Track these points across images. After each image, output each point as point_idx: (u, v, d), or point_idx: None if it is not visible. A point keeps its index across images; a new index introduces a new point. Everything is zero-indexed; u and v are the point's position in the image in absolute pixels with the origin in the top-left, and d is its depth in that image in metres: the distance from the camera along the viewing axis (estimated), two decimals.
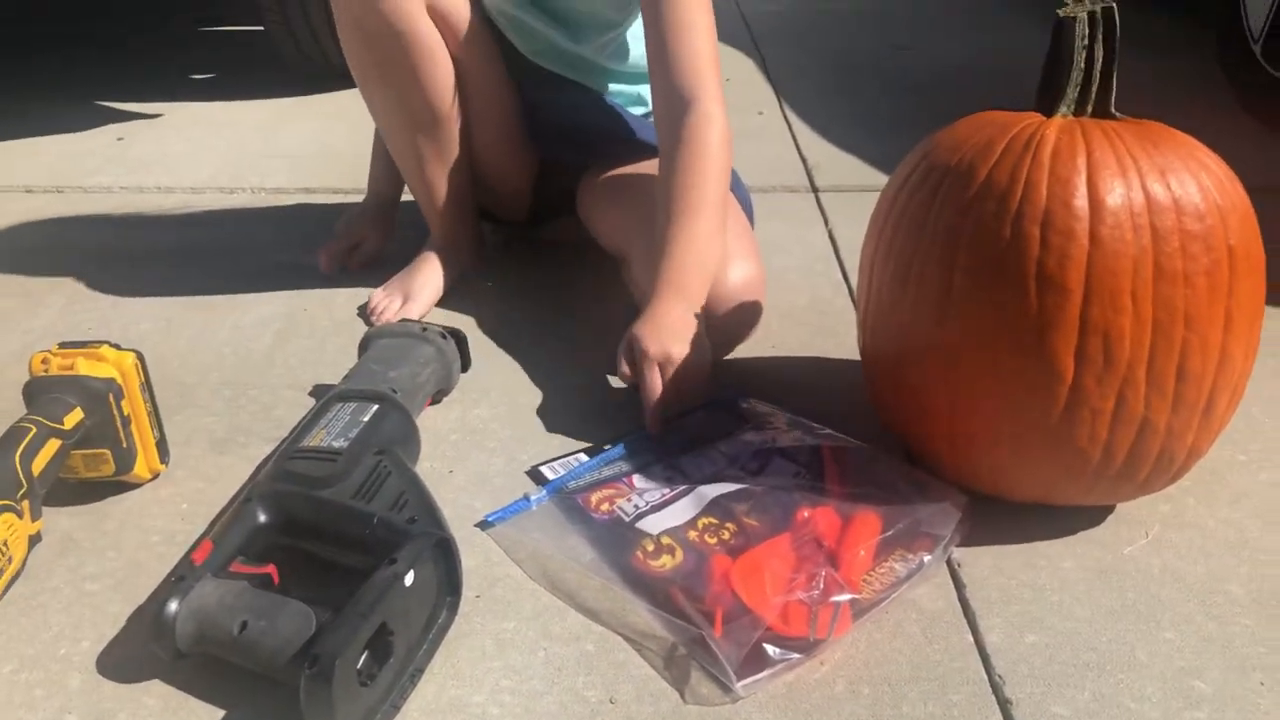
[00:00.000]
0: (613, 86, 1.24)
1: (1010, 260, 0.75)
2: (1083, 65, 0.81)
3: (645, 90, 1.24)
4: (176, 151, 1.87)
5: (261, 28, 2.26)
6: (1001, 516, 0.84)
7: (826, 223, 1.51)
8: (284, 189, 1.67)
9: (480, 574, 0.80)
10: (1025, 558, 0.82)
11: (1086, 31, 0.80)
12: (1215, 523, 0.86)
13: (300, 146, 1.89)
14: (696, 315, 0.97)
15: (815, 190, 1.64)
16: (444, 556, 0.73)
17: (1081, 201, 0.74)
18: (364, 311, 1.22)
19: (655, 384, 0.94)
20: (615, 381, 1.07)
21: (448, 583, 0.74)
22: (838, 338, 1.16)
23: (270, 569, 0.74)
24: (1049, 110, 0.82)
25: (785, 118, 2.06)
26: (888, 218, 0.85)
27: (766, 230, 1.42)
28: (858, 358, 0.95)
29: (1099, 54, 0.81)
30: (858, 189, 1.64)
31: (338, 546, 0.76)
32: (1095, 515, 0.86)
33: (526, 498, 0.88)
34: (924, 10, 3.18)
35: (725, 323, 1.04)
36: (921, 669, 0.71)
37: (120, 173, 1.75)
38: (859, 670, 0.71)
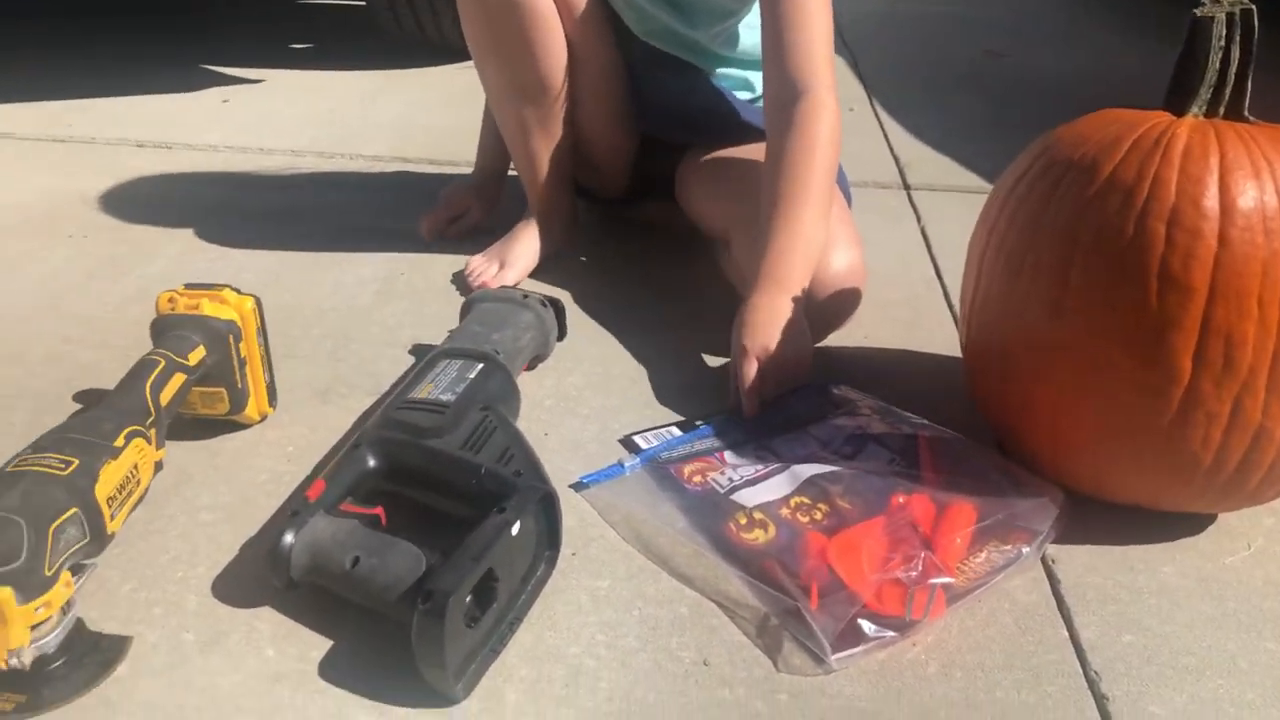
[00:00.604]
0: (720, 70, 1.25)
1: (1132, 257, 0.74)
2: (1218, 66, 0.79)
3: (754, 76, 1.25)
4: (278, 116, 1.92)
5: (361, 1, 2.31)
6: (1098, 518, 0.83)
7: (919, 220, 1.50)
8: (381, 157, 1.71)
9: (576, 533, 0.82)
10: (1122, 560, 0.81)
11: (1224, 32, 0.78)
12: None
13: (396, 118, 1.93)
14: (796, 303, 0.98)
15: (908, 188, 1.63)
16: (546, 511, 0.75)
17: (1212, 201, 0.73)
18: (461, 276, 1.25)
19: (750, 376, 0.95)
20: (710, 360, 1.08)
21: (549, 537, 0.76)
22: (929, 332, 1.16)
23: (379, 510, 0.76)
24: (1180, 110, 0.80)
25: (876, 115, 2.05)
26: (1002, 210, 0.84)
27: (859, 223, 1.41)
28: (949, 353, 0.94)
29: (1235, 55, 0.79)
30: (950, 189, 1.62)
31: (444, 494, 0.78)
32: (1196, 524, 0.85)
33: (620, 464, 0.89)
34: (1017, 18, 3.13)
35: (824, 308, 1.04)
36: (1015, 659, 0.71)
37: (225, 132, 1.81)
38: (951, 654, 0.71)
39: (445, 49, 2.30)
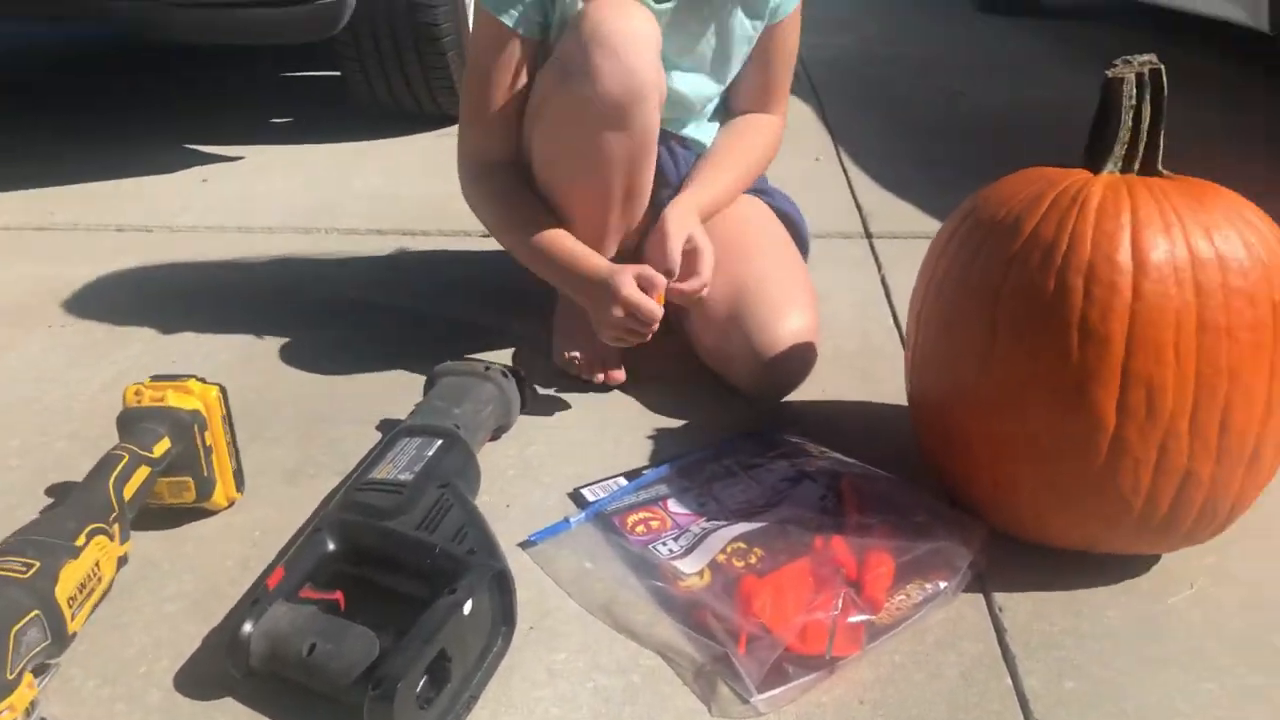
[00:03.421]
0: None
1: (1053, 311, 0.77)
2: (1130, 124, 0.83)
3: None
4: (256, 192, 1.97)
5: (339, 73, 2.37)
6: (1044, 563, 0.85)
7: (880, 268, 1.53)
8: (356, 230, 1.75)
9: (535, 605, 0.83)
10: (1067, 605, 0.83)
11: (1134, 92, 0.82)
12: (1260, 576, 0.86)
13: (373, 188, 1.97)
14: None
15: (870, 236, 1.67)
16: (500, 588, 0.77)
17: (1125, 256, 0.76)
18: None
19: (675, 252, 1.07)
20: (672, 421, 1.10)
21: (503, 613, 0.78)
22: (886, 383, 1.18)
23: (338, 595, 0.78)
24: (1097, 167, 0.84)
25: (841, 163, 2.09)
26: (935, 268, 0.87)
27: (821, 276, 1.44)
28: (904, 402, 0.97)
29: (1146, 113, 0.83)
30: (910, 235, 1.66)
31: (401, 575, 0.80)
32: (1139, 565, 0.87)
33: (566, 519, 0.93)
34: (979, 59, 3.19)
35: (779, 370, 1.07)
36: (959, 711, 0.72)
37: (204, 212, 1.85)
38: (895, 710, 0.73)
39: (422, 117, 2.36)
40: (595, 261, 1.09)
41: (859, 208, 1.81)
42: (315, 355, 1.28)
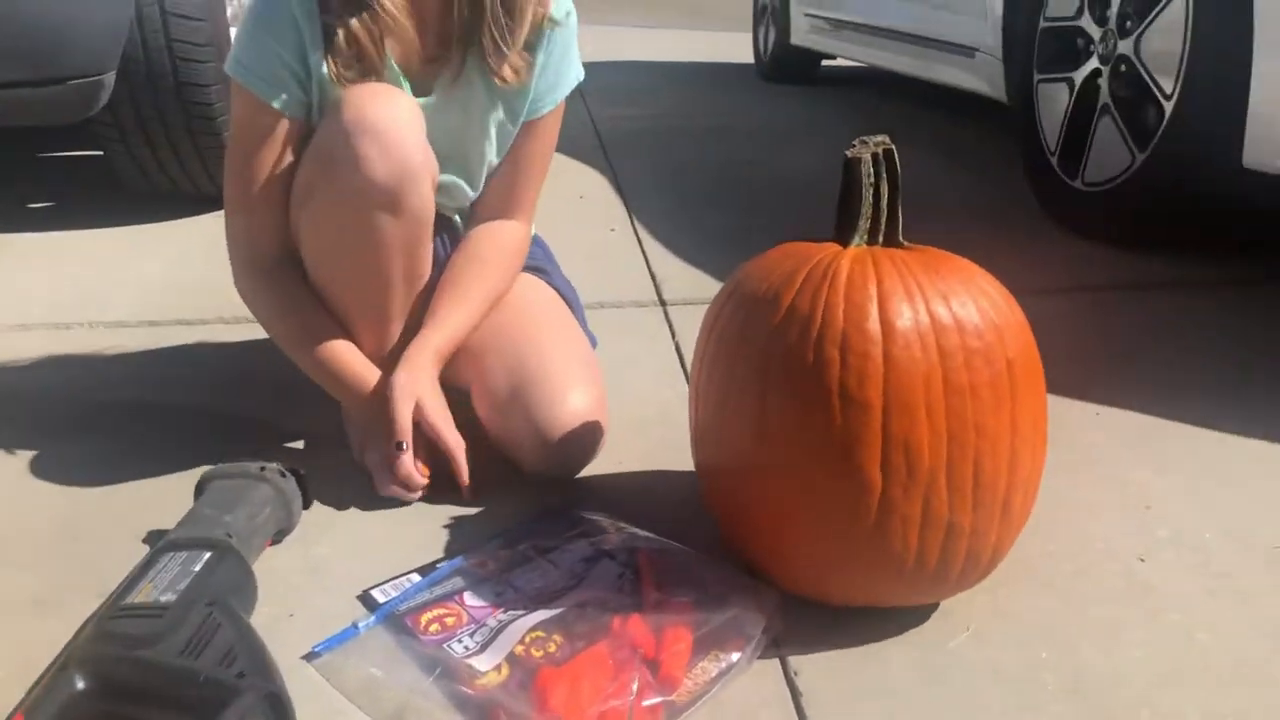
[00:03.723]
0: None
1: (815, 381, 0.80)
2: (871, 200, 0.89)
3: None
4: (9, 285, 1.80)
5: (102, 153, 2.22)
6: (836, 619, 0.88)
7: (674, 336, 1.57)
8: (125, 322, 1.63)
9: None
10: (859, 660, 0.86)
11: (872, 170, 0.88)
12: (1030, 612, 0.92)
13: (146, 276, 1.85)
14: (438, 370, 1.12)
15: (663, 304, 1.71)
16: (275, 711, 0.71)
17: (874, 325, 0.80)
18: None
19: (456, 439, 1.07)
20: (464, 510, 1.07)
21: None
22: (684, 451, 1.19)
23: None
24: (845, 241, 0.89)
25: (636, 233, 2.14)
26: (707, 343, 0.90)
27: (617, 345, 1.47)
28: None
29: (885, 190, 0.89)
30: (703, 301, 1.69)
31: (164, 709, 0.73)
32: (922, 612, 0.91)
33: (355, 625, 0.88)
34: (771, 126, 3.39)
35: (564, 449, 1.07)
36: None
37: None
38: None
39: (201, 197, 2.24)
40: (365, 391, 1.11)
41: (653, 276, 1.86)
42: (70, 466, 1.17)
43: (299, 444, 1.22)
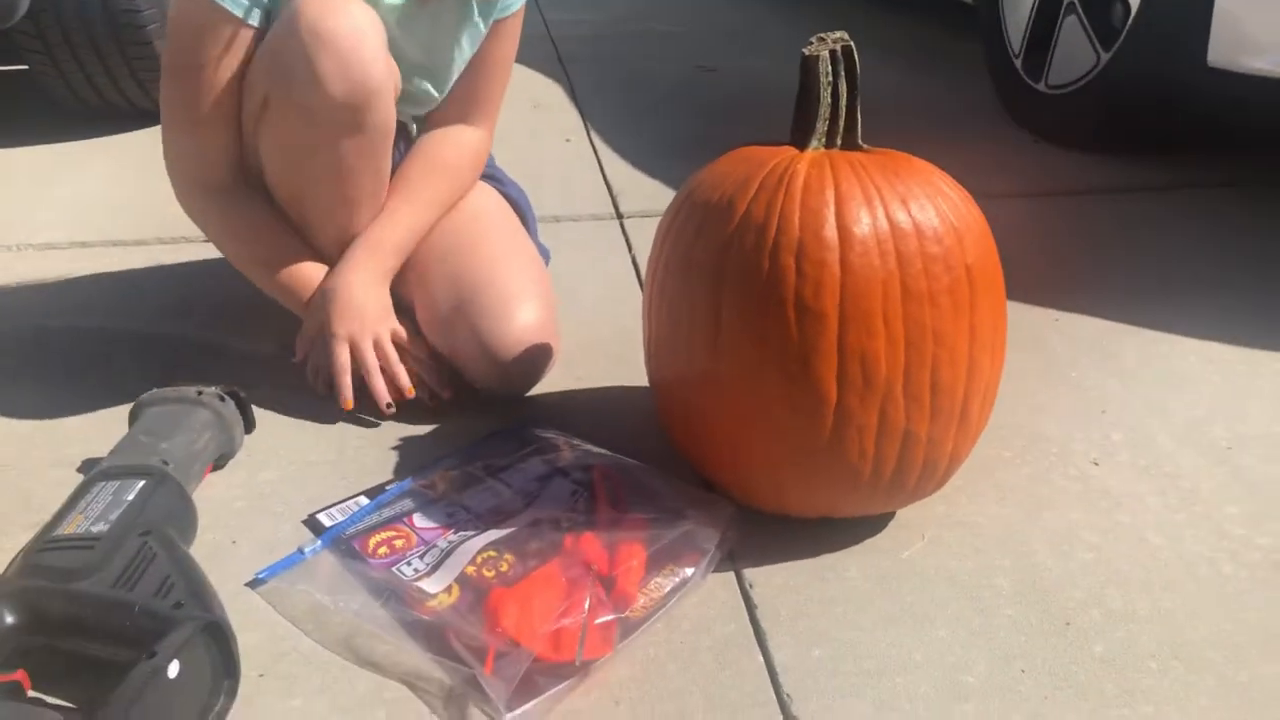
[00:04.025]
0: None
1: (771, 292, 0.77)
2: (829, 100, 0.85)
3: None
4: None
5: (23, 66, 2.10)
6: (792, 531, 0.87)
7: (630, 250, 1.53)
8: (55, 244, 1.55)
9: (266, 649, 0.76)
10: (814, 571, 0.85)
11: (830, 69, 0.84)
12: (984, 519, 0.92)
13: (76, 196, 1.76)
14: (388, 273, 1.09)
15: (620, 217, 1.67)
16: (215, 640, 0.69)
17: (831, 232, 0.77)
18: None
19: (344, 363, 1.04)
20: (418, 428, 1.04)
21: (224, 666, 0.70)
22: (637, 366, 1.17)
23: (19, 675, 0.68)
24: (802, 144, 0.85)
25: (592, 143, 2.08)
26: (660, 253, 0.87)
27: (572, 260, 1.43)
28: None
29: (843, 90, 0.85)
30: (660, 214, 1.67)
31: (98, 642, 0.71)
32: (877, 523, 0.90)
33: (300, 550, 0.86)
34: (731, 31, 3.29)
35: (515, 365, 1.04)
36: (714, 696, 0.73)
37: None
38: (654, 703, 0.72)
39: (136, 113, 2.13)
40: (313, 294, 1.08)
41: (609, 188, 1.80)
42: None
43: (243, 367, 1.18)
